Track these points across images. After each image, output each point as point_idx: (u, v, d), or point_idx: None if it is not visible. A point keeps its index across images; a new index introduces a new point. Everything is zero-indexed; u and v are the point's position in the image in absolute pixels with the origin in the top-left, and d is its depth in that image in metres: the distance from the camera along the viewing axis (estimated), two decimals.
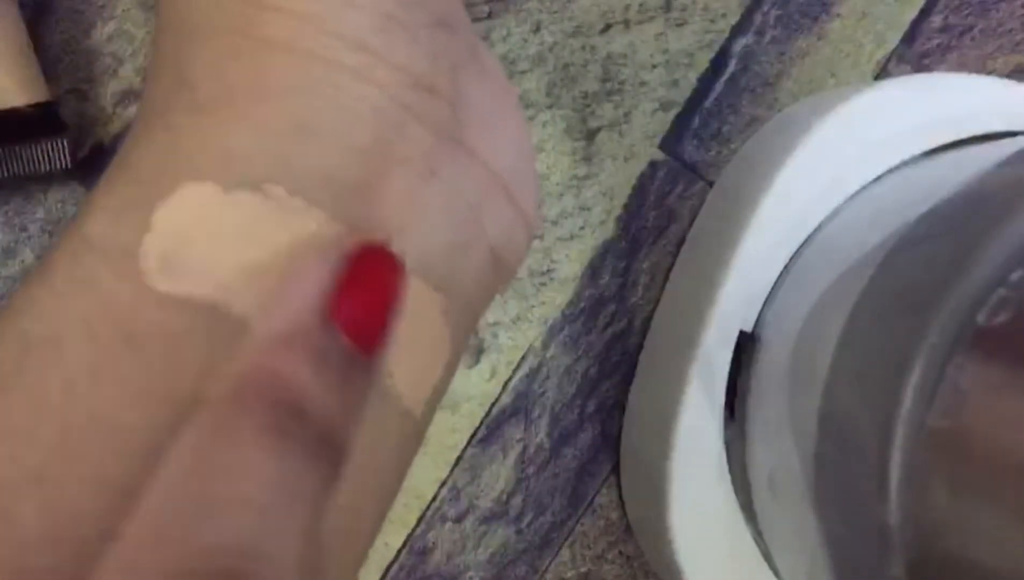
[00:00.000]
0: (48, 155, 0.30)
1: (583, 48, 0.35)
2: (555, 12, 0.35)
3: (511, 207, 0.20)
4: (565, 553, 0.36)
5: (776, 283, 0.31)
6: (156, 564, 0.13)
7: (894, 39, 0.37)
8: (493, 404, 0.35)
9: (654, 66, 0.36)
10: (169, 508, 0.13)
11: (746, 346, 0.30)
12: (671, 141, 0.36)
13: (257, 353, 0.15)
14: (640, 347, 0.36)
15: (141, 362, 0.15)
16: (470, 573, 0.36)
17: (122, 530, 0.13)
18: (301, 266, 0.15)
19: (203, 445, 0.14)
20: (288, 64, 0.16)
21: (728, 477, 0.31)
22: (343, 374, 0.15)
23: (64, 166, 0.30)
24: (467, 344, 0.19)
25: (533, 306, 0.35)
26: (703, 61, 0.36)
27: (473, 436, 0.35)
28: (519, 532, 0.36)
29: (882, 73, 0.37)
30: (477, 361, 0.35)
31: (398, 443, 0.17)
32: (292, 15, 0.16)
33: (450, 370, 0.18)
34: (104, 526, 0.14)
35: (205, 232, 0.15)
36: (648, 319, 0.36)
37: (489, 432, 0.35)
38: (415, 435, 0.18)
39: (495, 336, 0.35)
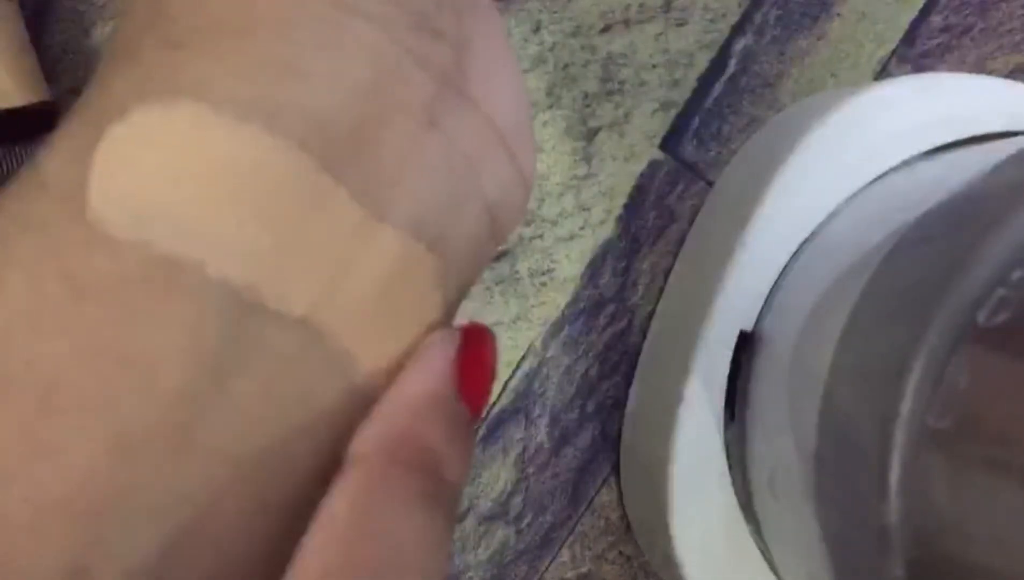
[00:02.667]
0: None
1: (583, 48, 0.35)
2: (555, 12, 0.35)
3: (511, 164, 0.18)
4: (565, 553, 0.36)
5: (776, 283, 0.31)
6: None
7: (894, 39, 0.37)
8: (493, 404, 0.35)
9: (654, 66, 0.36)
10: (339, 568, 0.13)
11: (746, 346, 0.30)
12: (671, 141, 0.36)
13: (403, 416, 0.15)
14: (640, 347, 0.36)
15: (85, 313, 0.13)
16: (470, 573, 0.36)
17: None
18: (430, 339, 0.16)
19: (364, 504, 0.14)
20: None
21: (728, 477, 0.31)
22: (466, 439, 0.16)
23: None
24: (457, 311, 0.19)
25: (533, 306, 0.35)
26: (703, 61, 0.36)
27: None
28: (519, 532, 0.36)
29: (882, 73, 0.37)
30: None
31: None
32: None
33: None
34: (29, 484, 0.13)
35: (164, 164, 0.14)
36: (648, 319, 0.36)
37: (489, 432, 0.35)
38: None
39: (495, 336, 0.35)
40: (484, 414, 0.35)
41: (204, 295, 0.14)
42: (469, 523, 0.35)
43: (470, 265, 0.18)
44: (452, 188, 0.17)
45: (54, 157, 0.14)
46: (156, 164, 0.14)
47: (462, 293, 0.18)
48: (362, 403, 0.16)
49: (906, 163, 0.30)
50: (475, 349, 0.16)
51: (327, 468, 0.15)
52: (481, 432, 0.35)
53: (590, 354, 0.36)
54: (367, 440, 0.15)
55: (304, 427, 0.15)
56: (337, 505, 0.14)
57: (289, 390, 0.15)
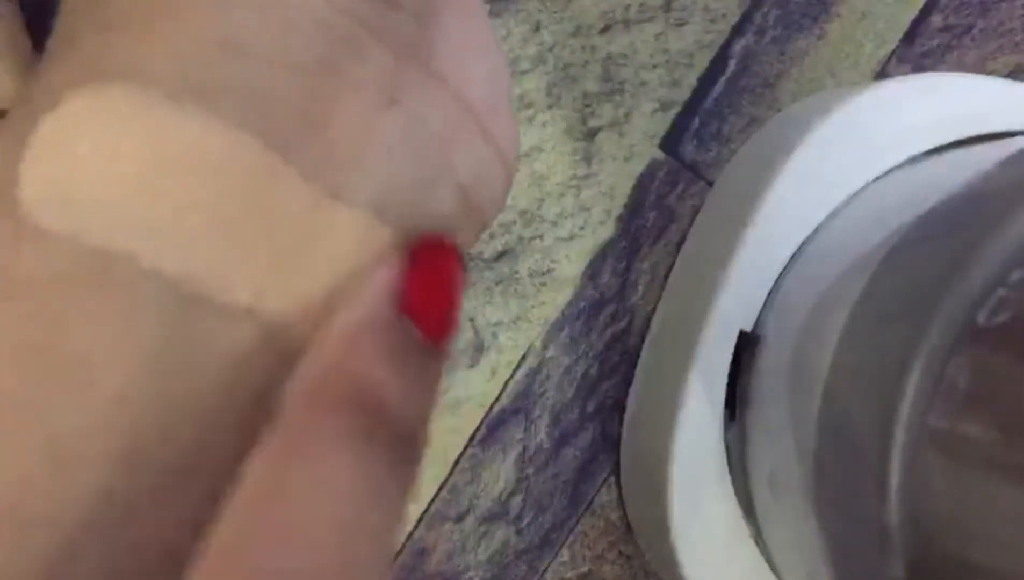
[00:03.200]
0: None
1: (583, 48, 0.35)
2: (555, 12, 0.35)
3: (486, 143, 0.17)
4: (565, 553, 0.36)
5: (776, 283, 0.31)
6: None
7: (894, 39, 0.37)
8: (493, 404, 0.35)
9: (654, 66, 0.36)
10: (247, 533, 0.12)
11: (746, 346, 0.30)
12: (671, 141, 0.36)
13: (331, 351, 0.14)
14: (640, 347, 0.36)
15: (17, 310, 0.13)
16: (470, 573, 0.36)
17: (196, 558, 0.12)
18: (366, 263, 0.15)
19: (280, 458, 0.13)
20: None
21: (728, 477, 0.31)
22: (418, 367, 0.14)
23: None
24: None
25: (533, 306, 0.35)
26: (703, 61, 0.36)
27: (473, 436, 0.35)
28: (519, 532, 0.36)
29: (882, 73, 0.37)
30: (477, 361, 0.35)
31: None
32: None
33: None
34: None
35: (95, 152, 0.13)
36: (648, 319, 0.36)
37: (489, 432, 0.35)
38: None
39: (495, 336, 0.35)
40: (486, 411, 0.35)
41: (140, 289, 0.13)
42: (469, 523, 0.35)
43: None
44: (419, 169, 0.16)
45: None
46: (87, 152, 0.13)
47: None
48: None
49: (906, 163, 0.30)
50: (427, 265, 0.15)
51: None
52: (481, 432, 0.35)
53: (590, 354, 0.36)
54: (292, 386, 0.13)
55: (259, 424, 0.14)
56: (253, 463, 0.13)
57: (241, 386, 0.14)
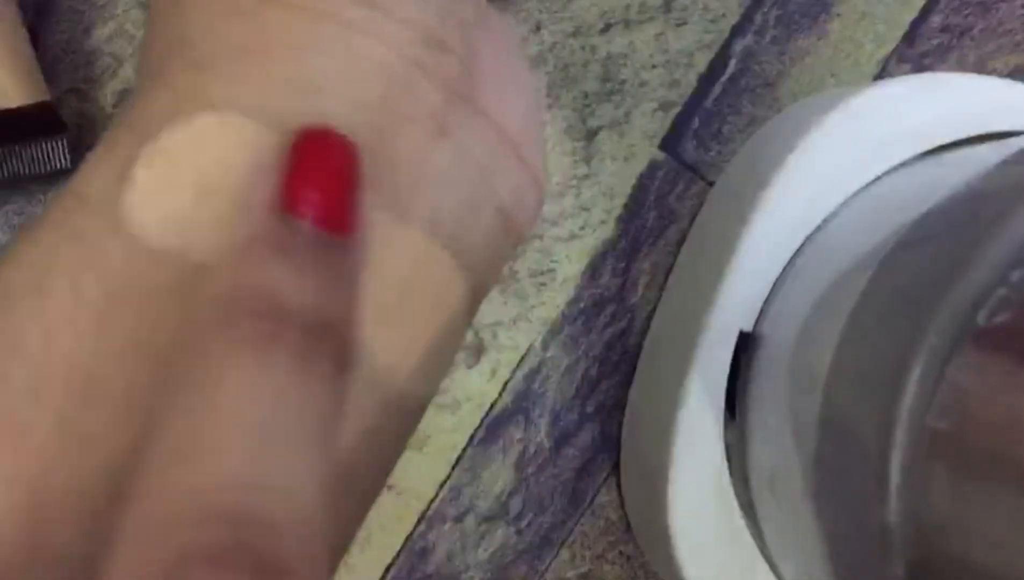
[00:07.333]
0: (48, 155, 0.30)
1: (583, 48, 0.35)
2: (555, 12, 0.35)
3: (522, 168, 0.19)
4: (565, 553, 0.36)
5: (776, 283, 0.31)
6: (164, 516, 0.12)
7: (894, 39, 0.37)
8: (493, 404, 0.35)
9: (654, 66, 0.36)
10: (168, 456, 0.13)
11: (746, 346, 0.30)
12: (671, 141, 0.36)
13: (225, 272, 0.14)
14: (640, 347, 0.36)
15: (123, 317, 0.14)
16: (470, 573, 0.36)
17: (130, 489, 0.13)
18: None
19: (190, 381, 0.13)
20: (291, 20, 0.16)
21: (728, 477, 0.31)
22: (318, 260, 0.14)
23: (64, 166, 0.30)
24: (476, 312, 0.19)
25: (533, 306, 0.35)
26: (703, 61, 0.36)
27: (473, 436, 0.35)
28: (519, 532, 0.36)
29: (882, 73, 0.37)
30: (477, 361, 0.35)
31: (398, 412, 0.17)
32: None
33: (459, 337, 0.18)
34: (70, 473, 0.14)
35: (193, 178, 0.15)
36: (648, 319, 0.36)
37: (489, 432, 0.35)
38: (420, 403, 0.17)
39: (495, 336, 0.35)
40: (486, 412, 0.35)
41: None
42: (469, 523, 0.35)
43: (488, 264, 0.19)
44: (465, 193, 0.17)
45: (95, 174, 0.16)
46: (186, 178, 0.15)
47: (482, 290, 0.19)
48: (379, 395, 0.16)
49: (906, 163, 0.30)
50: (308, 157, 0.15)
51: (340, 466, 0.15)
52: (481, 432, 0.35)
53: (590, 354, 0.36)
54: (198, 315, 0.14)
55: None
56: (167, 391, 0.13)
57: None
